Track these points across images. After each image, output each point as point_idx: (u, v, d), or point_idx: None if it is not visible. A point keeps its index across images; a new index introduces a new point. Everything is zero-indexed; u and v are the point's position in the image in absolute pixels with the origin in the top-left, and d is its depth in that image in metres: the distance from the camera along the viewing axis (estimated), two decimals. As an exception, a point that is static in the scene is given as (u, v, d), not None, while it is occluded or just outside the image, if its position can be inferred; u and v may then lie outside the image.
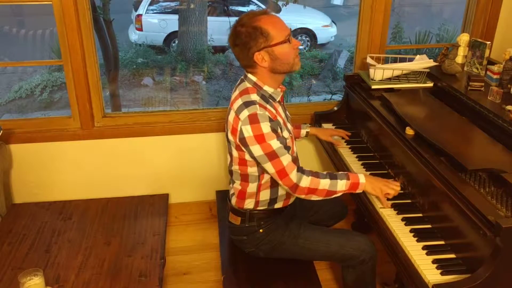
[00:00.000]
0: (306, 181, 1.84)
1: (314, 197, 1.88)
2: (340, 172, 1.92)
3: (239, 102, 1.84)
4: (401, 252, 1.68)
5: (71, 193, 2.79)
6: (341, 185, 1.88)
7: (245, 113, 1.79)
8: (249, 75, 1.90)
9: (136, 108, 5.71)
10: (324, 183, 1.85)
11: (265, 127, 1.78)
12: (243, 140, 1.81)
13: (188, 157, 2.94)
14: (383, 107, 2.30)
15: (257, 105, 1.81)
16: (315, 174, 1.86)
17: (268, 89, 1.89)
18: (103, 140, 2.80)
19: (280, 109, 1.96)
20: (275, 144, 1.79)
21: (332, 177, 1.87)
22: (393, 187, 1.91)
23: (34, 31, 6.76)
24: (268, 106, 1.85)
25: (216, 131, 2.88)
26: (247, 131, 1.79)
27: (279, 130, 1.84)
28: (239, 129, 1.81)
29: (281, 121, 1.90)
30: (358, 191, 1.92)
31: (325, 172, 1.89)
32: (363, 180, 1.90)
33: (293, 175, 1.82)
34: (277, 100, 1.94)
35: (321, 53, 6.93)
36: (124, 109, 5.55)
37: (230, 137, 1.89)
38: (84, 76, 2.64)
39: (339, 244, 1.98)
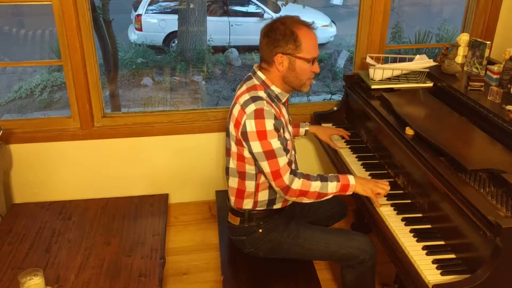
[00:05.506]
0: (297, 184, 1.84)
1: (305, 200, 1.89)
2: (330, 174, 1.92)
3: (246, 96, 1.85)
4: (401, 252, 1.68)
5: (71, 193, 2.79)
6: (332, 187, 1.88)
7: (251, 107, 1.80)
8: (259, 73, 1.91)
9: (136, 108, 5.70)
10: (315, 186, 1.86)
11: (269, 124, 1.79)
12: (244, 134, 1.82)
13: (187, 157, 2.94)
14: (383, 107, 2.30)
15: (264, 101, 1.82)
16: (306, 177, 1.87)
17: (276, 89, 1.92)
18: (103, 140, 2.80)
19: (284, 110, 1.98)
20: (275, 143, 1.80)
21: (323, 179, 1.88)
22: (383, 187, 1.91)
23: (34, 31, 6.75)
24: (273, 105, 1.87)
25: (216, 131, 2.88)
26: (251, 125, 1.79)
27: (281, 130, 1.85)
28: (242, 122, 1.81)
29: (284, 122, 1.91)
30: (348, 192, 1.92)
31: (315, 175, 1.90)
32: (353, 181, 1.91)
33: (286, 177, 1.83)
34: (283, 101, 1.96)
35: (320, 53, 6.91)
36: (124, 109, 5.55)
37: (232, 130, 1.89)
38: (83, 76, 2.64)
39: (339, 244, 1.98)
